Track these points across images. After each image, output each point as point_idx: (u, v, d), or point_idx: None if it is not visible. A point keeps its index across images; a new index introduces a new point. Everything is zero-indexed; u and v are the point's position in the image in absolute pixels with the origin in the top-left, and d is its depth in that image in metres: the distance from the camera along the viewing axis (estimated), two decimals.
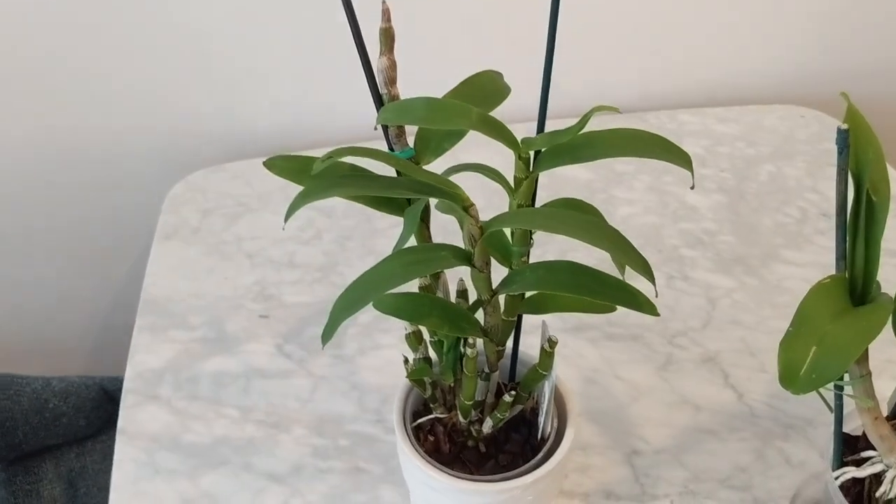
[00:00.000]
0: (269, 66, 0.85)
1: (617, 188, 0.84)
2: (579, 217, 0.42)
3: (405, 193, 0.40)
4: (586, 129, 0.41)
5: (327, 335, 0.40)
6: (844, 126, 0.39)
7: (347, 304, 0.40)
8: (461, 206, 0.40)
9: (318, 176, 0.40)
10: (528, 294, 0.47)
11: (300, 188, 0.41)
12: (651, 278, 0.40)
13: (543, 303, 0.47)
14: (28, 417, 0.78)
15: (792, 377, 0.38)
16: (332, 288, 0.72)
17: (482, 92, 0.47)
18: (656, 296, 0.41)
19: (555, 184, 0.83)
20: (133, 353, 0.67)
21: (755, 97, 0.97)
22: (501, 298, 0.45)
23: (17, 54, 0.79)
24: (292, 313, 0.70)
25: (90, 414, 0.82)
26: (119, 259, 0.95)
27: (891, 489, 0.46)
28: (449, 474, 0.47)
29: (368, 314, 0.69)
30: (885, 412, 0.49)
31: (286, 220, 0.38)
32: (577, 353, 0.67)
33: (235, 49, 0.83)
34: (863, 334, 0.38)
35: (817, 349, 0.38)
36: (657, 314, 0.42)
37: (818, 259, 0.75)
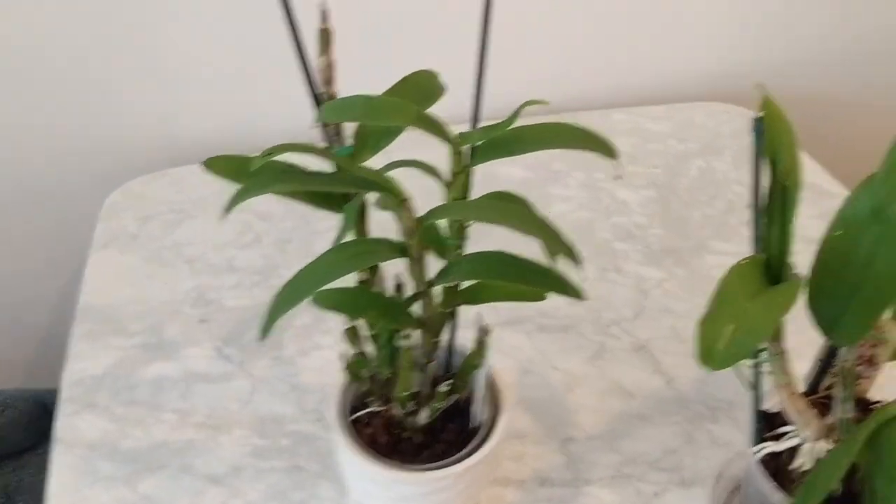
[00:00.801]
0: (205, 70, 0.85)
1: (552, 186, 0.85)
2: (510, 207, 0.44)
3: (343, 188, 0.41)
4: (519, 125, 0.43)
5: (266, 329, 0.41)
6: (759, 114, 0.41)
7: (287, 298, 0.41)
8: (398, 199, 0.41)
9: (257, 173, 0.40)
10: (463, 286, 0.48)
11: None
12: (576, 260, 0.42)
13: (478, 293, 0.48)
14: None
15: (710, 354, 0.40)
16: (271, 291, 0.70)
17: (418, 91, 0.49)
18: (584, 280, 0.42)
19: (492, 183, 0.84)
20: (70, 361, 0.67)
21: (684, 95, 1.00)
22: (438, 291, 0.46)
23: None
24: (232, 317, 0.70)
25: (27, 427, 0.81)
26: (57, 269, 0.93)
27: (806, 461, 0.49)
28: (383, 465, 0.48)
29: (307, 315, 0.70)
30: (801, 390, 0.51)
31: (227, 211, 0.39)
32: (514, 346, 0.68)
33: (171, 53, 0.83)
34: (775, 311, 0.41)
35: (734, 327, 0.40)
36: (584, 298, 0.43)
37: (745, 249, 0.77)
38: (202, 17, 0.81)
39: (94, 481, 0.58)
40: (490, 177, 0.87)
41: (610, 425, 0.63)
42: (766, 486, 0.49)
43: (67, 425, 0.62)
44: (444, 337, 0.50)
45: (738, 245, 0.79)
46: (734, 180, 0.87)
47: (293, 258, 0.75)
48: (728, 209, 0.83)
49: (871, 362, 0.53)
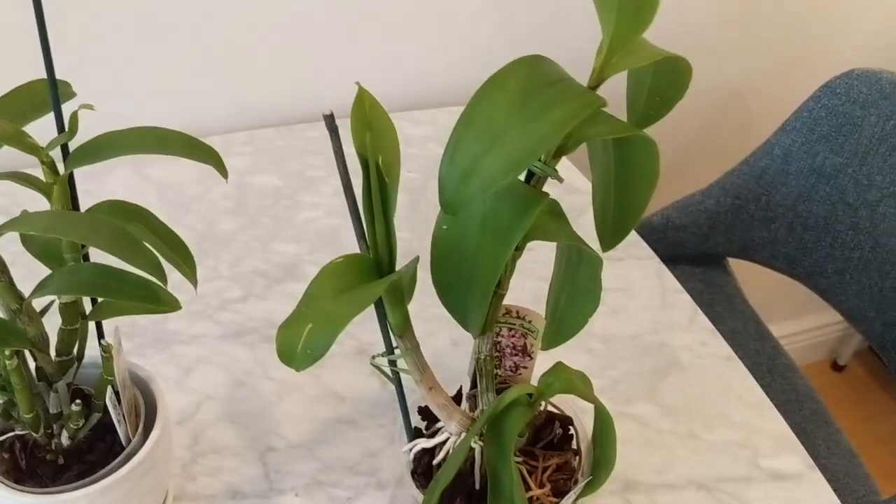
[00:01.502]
0: None
1: (304, 193, 0.85)
2: (83, 218, 0.42)
3: None
4: (113, 131, 0.42)
5: None
6: (328, 112, 0.41)
7: None
8: None
9: None
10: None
11: None
12: (162, 279, 0.41)
13: (100, 309, 0.47)
14: None
15: (290, 355, 0.40)
16: None
17: (30, 102, 0.47)
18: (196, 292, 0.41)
19: (245, 192, 0.84)
20: None
21: (451, 100, 1.01)
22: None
23: None
24: None
25: None
26: None
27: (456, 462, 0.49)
28: (11, 489, 0.46)
29: None
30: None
31: None
32: (233, 359, 0.67)
33: None
34: (353, 308, 0.40)
35: (312, 326, 0.40)
36: (177, 308, 0.42)
37: None
38: None
39: None
40: (245, 186, 0.86)
41: (315, 433, 0.62)
42: (409, 481, 0.49)
43: None
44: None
45: None
46: None
47: None
48: None
49: (526, 352, 0.53)
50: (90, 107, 0.40)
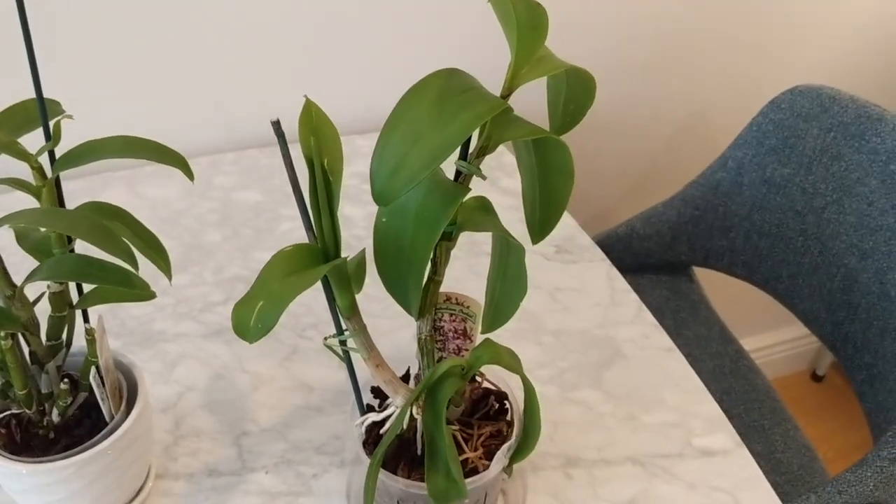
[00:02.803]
0: None
1: (284, 207, 0.91)
2: (65, 214, 0.49)
3: None
4: (92, 139, 0.49)
5: None
6: (275, 118, 0.48)
7: None
8: None
9: None
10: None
11: None
12: (134, 266, 0.47)
13: (88, 299, 0.53)
14: None
15: (244, 329, 0.46)
16: None
17: (24, 117, 0.53)
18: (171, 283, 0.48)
19: (227, 208, 0.90)
20: None
21: None
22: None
23: None
24: None
25: None
26: None
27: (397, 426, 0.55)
28: (9, 459, 0.52)
29: None
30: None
31: None
32: (213, 355, 0.73)
33: None
34: (298, 287, 0.46)
35: (263, 303, 0.46)
36: (149, 294, 0.49)
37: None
38: None
39: None
40: (230, 202, 0.93)
41: (285, 419, 0.68)
42: (358, 449, 0.55)
43: None
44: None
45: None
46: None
47: None
48: None
49: (466, 335, 0.59)
50: (70, 116, 0.47)
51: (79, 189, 0.87)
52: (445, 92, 0.44)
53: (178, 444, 0.65)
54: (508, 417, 0.57)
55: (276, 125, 0.48)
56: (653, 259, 1.13)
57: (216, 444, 0.65)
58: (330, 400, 0.69)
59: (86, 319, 0.58)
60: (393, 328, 0.68)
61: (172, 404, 0.69)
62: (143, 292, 0.49)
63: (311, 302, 0.79)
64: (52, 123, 0.50)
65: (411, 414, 0.55)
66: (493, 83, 0.46)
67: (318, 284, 0.49)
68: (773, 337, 1.69)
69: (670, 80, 1.21)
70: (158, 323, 0.76)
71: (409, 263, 0.51)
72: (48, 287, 0.52)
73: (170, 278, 0.53)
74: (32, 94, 0.50)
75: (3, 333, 0.50)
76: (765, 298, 1.10)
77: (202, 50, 0.94)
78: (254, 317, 0.46)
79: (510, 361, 0.52)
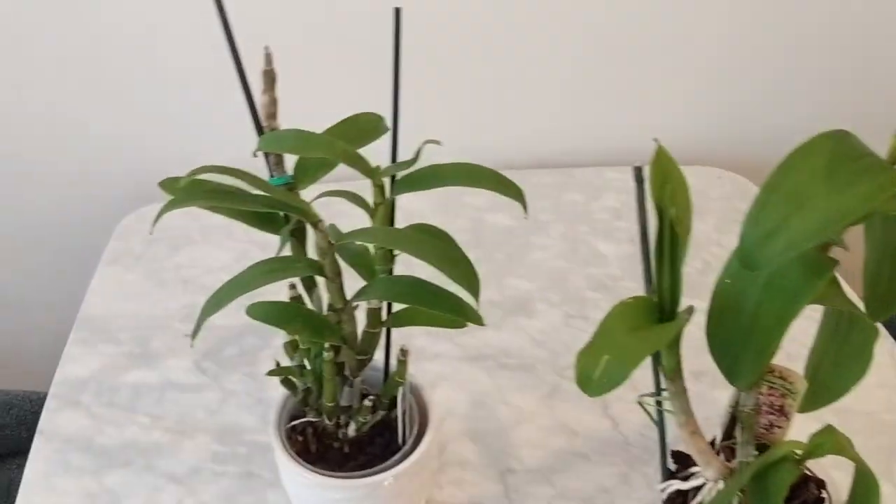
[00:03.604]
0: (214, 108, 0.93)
1: (534, 235, 0.89)
2: (415, 236, 0.48)
3: (257, 207, 0.46)
4: (435, 163, 0.48)
5: (196, 330, 0.47)
6: (638, 164, 0.45)
7: (212, 304, 0.47)
8: (311, 221, 0.46)
9: (186, 188, 0.46)
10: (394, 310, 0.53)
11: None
12: (474, 291, 0.46)
13: (400, 317, 0.53)
14: None
15: (587, 381, 0.43)
16: None
17: (358, 130, 0.54)
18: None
19: (479, 227, 0.90)
20: (63, 363, 0.73)
21: (682, 159, 1.03)
22: (364, 312, 0.51)
23: None
24: (214, 334, 0.76)
25: (31, 426, 0.87)
26: (69, 281, 1.01)
27: (705, 501, 0.51)
28: (307, 469, 0.52)
29: (282, 336, 0.75)
30: (699, 429, 0.54)
31: (154, 223, 0.44)
32: (472, 379, 0.72)
33: (186, 93, 0.91)
34: (648, 345, 0.44)
35: (608, 357, 0.43)
36: (482, 323, 0.47)
37: None
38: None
39: (65, 471, 0.64)
40: (481, 222, 0.92)
41: (550, 461, 0.65)
42: None
43: (50, 419, 0.68)
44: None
45: (706, 301, 0.81)
46: (714, 241, 0.89)
47: (280, 285, 0.81)
48: (704, 269, 0.85)
49: (782, 412, 0.55)
50: (437, 142, 0.46)
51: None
52: (837, 156, 0.40)
53: (443, 471, 0.64)
54: None
55: (638, 171, 0.46)
56: None
57: (481, 477, 0.64)
58: (595, 448, 0.66)
59: (387, 340, 0.57)
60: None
61: (435, 427, 0.67)
62: (475, 322, 0.47)
63: (571, 340, 0.76)
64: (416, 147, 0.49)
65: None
66: None
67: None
68: None
69: None
70: (417, 339, 0.75)
71: (750, 334, 0.47)
72: (368, 302, 0.52)
73: (478, 305, 0.52)
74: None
75: (326, 345, 0.50)
76: None
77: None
78: (599, 370, 0.43)
79: (854, 454, 0.47)
